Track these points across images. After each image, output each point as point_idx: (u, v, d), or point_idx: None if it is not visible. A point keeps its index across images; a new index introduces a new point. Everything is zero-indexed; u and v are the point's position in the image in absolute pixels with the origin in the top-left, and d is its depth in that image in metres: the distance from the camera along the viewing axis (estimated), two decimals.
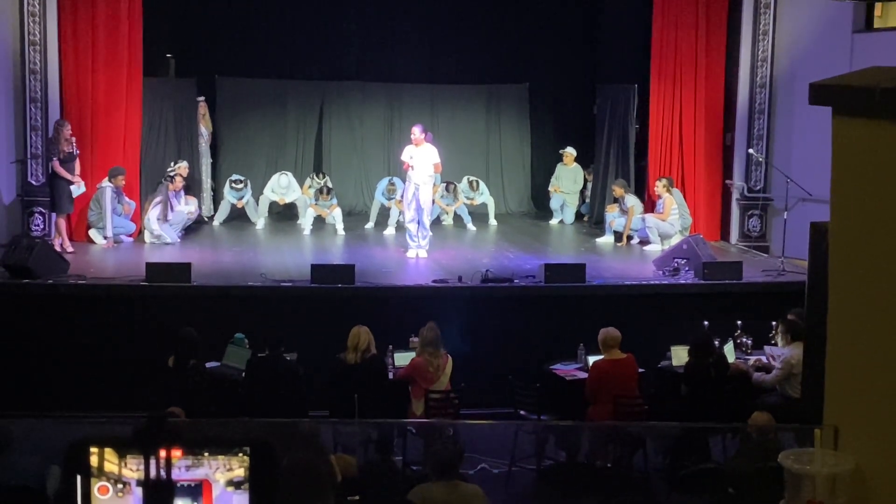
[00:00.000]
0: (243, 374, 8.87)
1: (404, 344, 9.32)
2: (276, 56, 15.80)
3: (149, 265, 10.63)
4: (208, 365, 8.84)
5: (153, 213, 12.87)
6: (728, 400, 8.47)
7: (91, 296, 10.42)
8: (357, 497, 6.25)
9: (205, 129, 14.97)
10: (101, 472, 2.86)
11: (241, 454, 2.92)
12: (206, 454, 2.91)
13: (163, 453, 2.83)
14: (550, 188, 15.62)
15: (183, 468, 2.94)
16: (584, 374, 9.11)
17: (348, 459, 6.67)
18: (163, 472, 2.82)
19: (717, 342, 9.16)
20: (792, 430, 4.51)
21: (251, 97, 15.89)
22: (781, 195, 12.65)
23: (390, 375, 8.97)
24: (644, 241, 13.42)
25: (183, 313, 9.77)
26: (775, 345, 9.40)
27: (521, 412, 9.01)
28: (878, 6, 12.84)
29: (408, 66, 16.06)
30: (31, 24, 12.58)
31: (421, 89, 16.30)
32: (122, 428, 2.96)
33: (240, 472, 2.95)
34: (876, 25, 12.98)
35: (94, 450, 2.82)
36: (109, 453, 2.83)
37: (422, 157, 12.22)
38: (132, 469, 2.90)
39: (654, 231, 13.22)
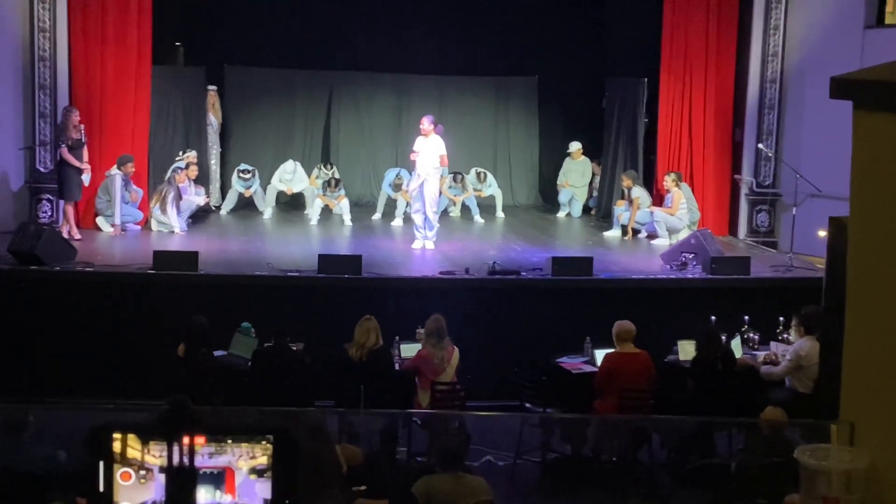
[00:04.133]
0: (249, 363, 8.87)
1: (411, 335, 9.32)
2: (284, 45, 15.77)
3: (156, 253, 10.63)
4: (215, 354, 8.84)
5: (171, 211, 12.84)
6: (735, 395, 8.46)
7: (98, 283, 10.42)
8: (363, 487, 6.25)
9: (214, 119, 14.95)
10: (123, 458, 2.85)
11: (264, 442, 2.91)
12: (230, 442, 2.90)
13: (186, 440, 2.81)
14: (559, 183, 15.60)
15: (206, 455, 2.92)
16: (590, 368, 9.10)
17: (354, 450, 6.68)
18: (186, 460, 2.80)
19: (724, 337, 9.14)
20: (806, 426, 4.50)
21: (260, 86, 15.88)
22: (790, 191, 12.63)
23: (396, 366, 8.97)
24: (652, 235, 13.40)
25: (190, 302, 9.77)
26: (782, 341, 9.38)
27: (527, 405, 9.01)
28: (889, 1, 12.81)
29: (416, 57, 16.04)
30: (41, 10, 12.58)
31: (429, 80, 16.28)
32: (143, 415, 2.95)
33: (263, 461, 2.93)
34: (887, 21, 12.95)
35: (116, 436, 2.80)
36: (132, 439, 2.81)
37: (428, 148, 12.21)
38: (155, 455, 2.88)
39: (663, 225, 13.20)
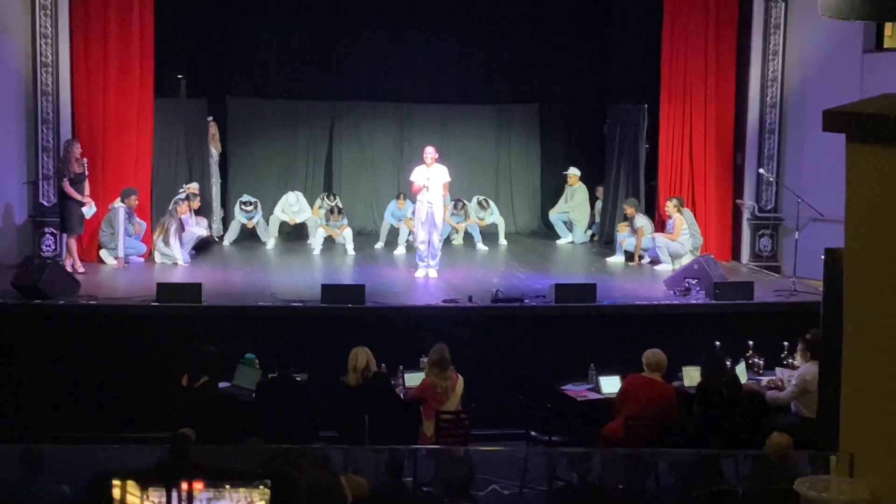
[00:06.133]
0: (254, 394, 8.87)
1: (415, 364, 9.32)
2: (286, 76, 15.86)
3: (159, 285, 10.64)
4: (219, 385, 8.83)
5: (174, 242, 12.88)
6: (741, 421, 8.44)
7: (102, 316, 10.42)
8: None
9: (214, 150, 15.00)
10: None
11: (262, 487, 2.91)
12: (228, 487, 2.90)
13: (185, 486, 2.82)
14: (552, 210, 15.65)
15: (204, 500, 2.92)
16: (595, 395, 9.11)
17: (359, 481, 6.66)
18: None
19: (728, 363, 9.14)
20: (808, 455, 4.48)
21: (261, 118, 15.93)
22: (792, 215, 12.63)
23: (401, 396, 8.96)
24: (654, 261, 13.40)
25: (193, 333, 9.78)
26: (787, 366, 9.37)
27: (532, 433, 9.00)
28: (888, 26, 12.86)
29: (418, 86, 16.10)
30: (43, 45, 12.66)
31: (431, 109, 16.33)
32: (144, 459, 2.95)
33: None
34: (886, 45, 12.99)
35: (116, 482, 2.81)
36: (132, 486, 2.82)
37: (434, 177, 12.25)
38: (154, 501, 2.88)
39: (665, 251, 13.20)
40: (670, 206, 13.38)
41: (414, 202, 12.83)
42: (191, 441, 7.15)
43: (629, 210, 13.78)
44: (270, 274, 12.62)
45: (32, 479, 6.04)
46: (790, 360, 9.35)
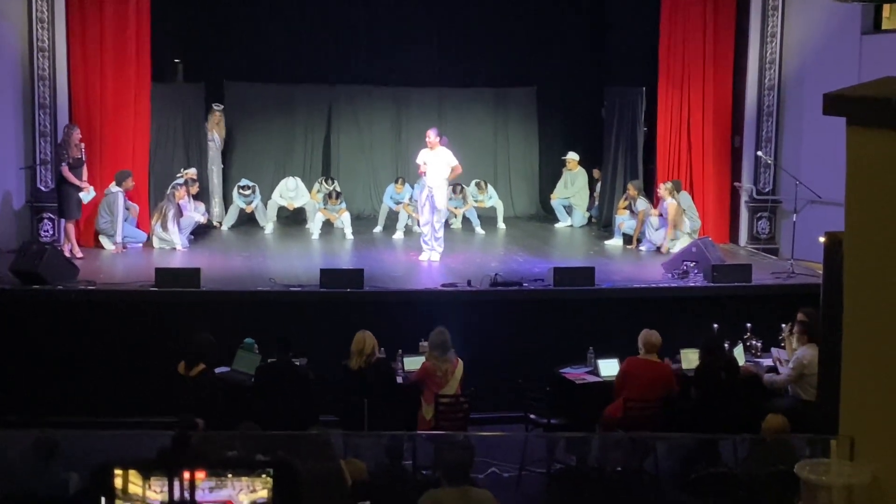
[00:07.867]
0: (253, 379, 8.88)
1: (414, 348, 9.33)
2: (284, 60, 15.82)
3: (158, 270, 10.64)
4: (218, 370, 8.84)
5: (173, 227, 12.86)
6: (739, 403, 8.46)
7: (100, 301, 10.43)
8: (368, 502, 6.25)
9: (217, 136, 14.95)
10: (125, 493, 2.86)
11: (264, 475, 2.91)
12: (230, 475, 2.91)
13: (186, 475, 2.82)
14: (553, 196, 15.64)
15: (206, 490, 2.93)
16: (594, 378, 9.13)
17: (359, 464, 6.67)
18: (186, 494, 2.81)
19: (726, 345, 9.15)
20: (807, 439, 4.50)
21: (259, 102, 15.90)
22: (790, 197, 12.64)
23: (400, 380, 8.98)
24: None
25: (192, 319, 9.79)
26: (783, 348, 9.38)
27: (531, 416, 9.02)
28: (886, 7, 12.83)
29: (416, 69, 16.05)
30: (40, 30, 12.61)
31: (429, 93, 16.30)
32: (146, 447, 2.96)
33: (263, 494, 2.94)
34: (884, 27, 12.97)
35: (118, 472, 2.81)
36: (133, 475, 2.82)
37: (436, 160, 12.23)
38: (156, 491, 2.89)
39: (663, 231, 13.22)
40: (663, 190, 13.33)
41: (416, 186, 12.84)
42: (197, 427, 7.17)
43: (633, 191, 13.75)
44: (269, 259, 12.62)
45: (43, 466, 6.05)
46: (793, 341, 9.33)
